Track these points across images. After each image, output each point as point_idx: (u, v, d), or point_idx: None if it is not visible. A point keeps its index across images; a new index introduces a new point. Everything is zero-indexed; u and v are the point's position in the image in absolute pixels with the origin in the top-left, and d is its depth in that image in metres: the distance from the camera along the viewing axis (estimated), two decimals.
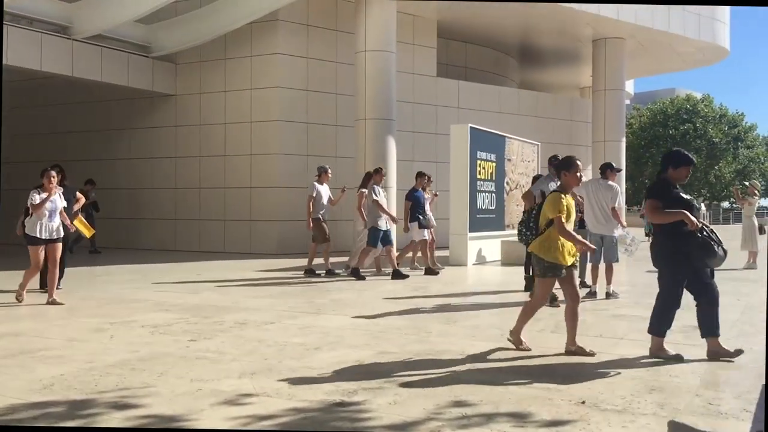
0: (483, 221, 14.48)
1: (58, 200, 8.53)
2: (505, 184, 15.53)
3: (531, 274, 9.85)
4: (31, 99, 19.91)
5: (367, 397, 4.41)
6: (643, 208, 23.81)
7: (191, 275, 11.95)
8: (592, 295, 9.01)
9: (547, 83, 28.31)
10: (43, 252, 8.39)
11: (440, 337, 6.46)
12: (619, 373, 5.16)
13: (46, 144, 19.87)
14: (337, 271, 11.82)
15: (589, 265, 9.55)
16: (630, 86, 31.22)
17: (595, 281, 9.23)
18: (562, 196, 5.62)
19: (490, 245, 14.55)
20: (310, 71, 17.25)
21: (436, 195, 13.56)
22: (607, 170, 9.30)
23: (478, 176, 14.15)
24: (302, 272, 11.81)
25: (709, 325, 5.49)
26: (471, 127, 13.89)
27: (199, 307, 8.29)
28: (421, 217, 12.17)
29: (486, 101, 20.98)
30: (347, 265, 12.15)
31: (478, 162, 14.10)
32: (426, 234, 12.28)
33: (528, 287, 9.71)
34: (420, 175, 12.63)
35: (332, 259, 12.05)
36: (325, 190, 11.76)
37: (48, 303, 8.36)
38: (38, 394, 4.50)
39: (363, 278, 11.24)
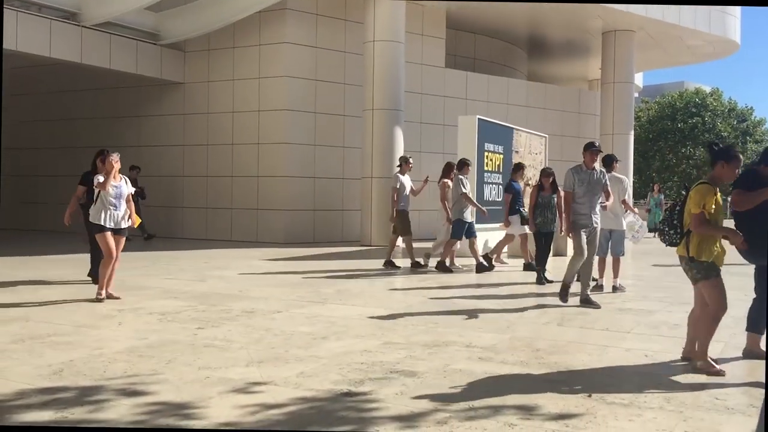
0: (489, 213, 14.45)
1: (124, 186, 7.88)
2: None
3: (543, 266, 9.84)
4: (39, 85, 19.94)
5: (373, 388, 4.43)
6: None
7: (198, 263, 11.98)
8: (598, 288, 9.01)
9: (555, 75, 28.21)
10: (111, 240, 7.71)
11: (447, 328, 6.47)
12: (627, 366, 5.16)
13: (53, 130, 19.94)
14: (422, 263, 11.41)
15: (596, 259, 9.53)
16: (639, 79, 31.08)
17: (601, 274, 9.22)
18: (712, 188, 5.00)
19: (496, 237, 14.53)
20: (318, 61, 17.21)
21: (528, 185, 13.24)
22: (613, 162, 9.28)
23: (486, 168, 14.11)
24: (381, 264, 11.54)
25: (753, 318, 5.35)
26: (479, 118, 13.85)
27: (206, 295, 8.32)
28: (522, 210, 11.77)
29: (494, 93, 20.92)
30: (427, 254, 11.64)
31: (486, 153, 14.05)
32: (527, 228, 11.73)
33: (540, 280, 9.69)
34: (519, 167, 12.22)
35: (340, 249, 11.96)
36: (407, 181, 11.58)
37: (97, 298, 7.67)
38: (47, 379, 4.53)
39: (450, 271, 11.02)
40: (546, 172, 10.18)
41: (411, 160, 11.92)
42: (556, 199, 9.88)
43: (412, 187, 11.70)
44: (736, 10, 23.34)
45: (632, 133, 22.90)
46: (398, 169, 11.77)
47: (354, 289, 9.11)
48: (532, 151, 16.38)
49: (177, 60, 17.93)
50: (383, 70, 16.08)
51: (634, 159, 25.71)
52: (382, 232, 16.09)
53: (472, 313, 7.33)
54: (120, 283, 9.43)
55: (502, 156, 14.86)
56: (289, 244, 16.00)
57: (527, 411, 3.99)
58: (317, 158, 17.24)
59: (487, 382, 4.57)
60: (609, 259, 9.25)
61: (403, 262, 11.84)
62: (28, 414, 3.83)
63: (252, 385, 4.46)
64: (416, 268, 11.33)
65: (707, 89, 49.67)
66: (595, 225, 7.90)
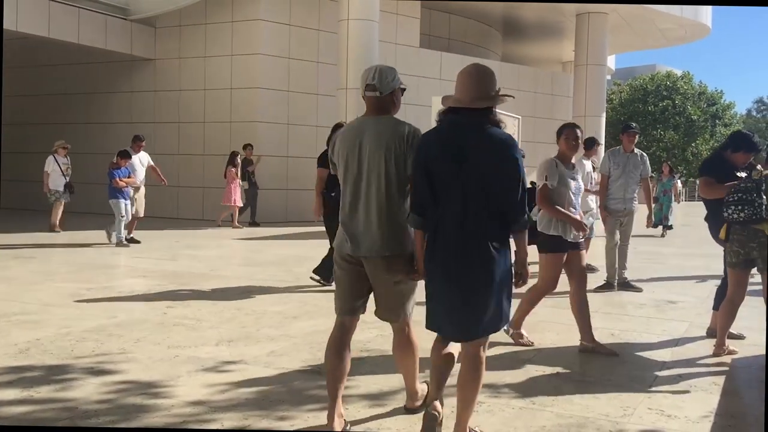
0: None
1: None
2: None
3: None
4: (4, 60, 19.49)
5: None
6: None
7: (169, 242, 11.89)
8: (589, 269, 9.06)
9: (529, 57, 28.26)
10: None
11: (419, 308, 6.48)
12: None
13: (20, 106, 19.53)
14: None
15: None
16: (611, 62, 31.29)
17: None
18: None
19: None
20: (291, 39, 17.04)
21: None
22: (594, 146, 9.33)
23: None
24: None
25: (719, 297, 5.34)
26: None
27: (177, 274, 8.27)
28: None
29: None
30: None
31: None
32: None
33: None
34: None
35: None
36: None
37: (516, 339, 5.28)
38: (13, 358, 4.48)
39: None
40: None
41: None
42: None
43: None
44: None
45: (604, 115, 23.06)
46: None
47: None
48: None
49: (147, 36, 17.62)
50: (357, 49, 15.96)
51: (605, 141, 25.90)
52: None
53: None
54: (89, 261, 9.30)
55: None
56: (262, 224, 15.91)
57: (495, 389, 4.04)
58: (290, 137, 17.13)
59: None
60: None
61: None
62: None
63: (222, 363, 4.45)
64: None
65: (678, 72, 50.13)
66: (632, 209, 7.69)
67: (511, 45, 26.42)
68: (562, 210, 4.97)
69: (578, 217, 5.05)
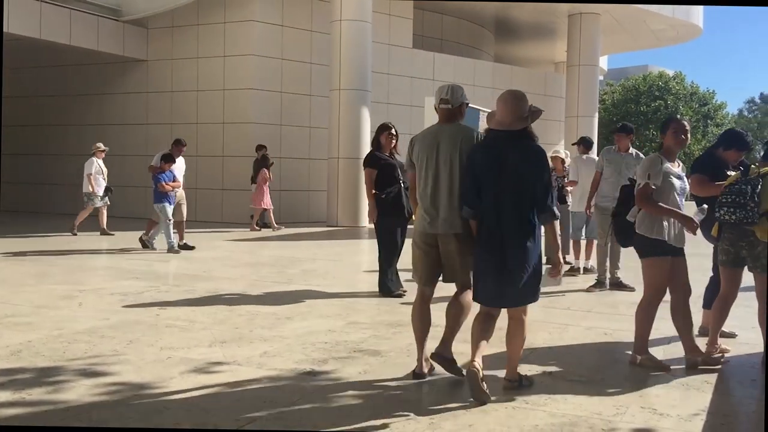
0: None
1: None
2: None
3: None
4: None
5: (337, 367, 4.45)
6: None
7: (162, 243, 11.84)
8: (575, 270, 9.05)
9: (522, 57, 28.32)
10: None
11: (410, 308, 6.49)
12: (587, 344, 5.25)
13: (14, 107, 19.46)
14: None
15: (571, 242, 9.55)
16: (604, 62, 31.38)
17: (577, 256, 9.26)
18: None
19: None
20: (284, 39, 17.03)
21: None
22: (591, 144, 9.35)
23: None
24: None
25: (709, 296, 5.36)
26: None
27: (170, 275, 8.25)
28: None
29: (461, 74, 20.91)
30: None
31: None
32: None
33: None
34: None
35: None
36: None
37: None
38: (5, 360, 4.46)
39: None
40: None
41: None
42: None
43: None
44: None
45: (597, 115, 23.14)
46: None
47: (320, 269, 9.10)
48: None
49: (140, 37, 17.58)
50: (350, 50, 15.97)
51: (598, 141, 25.98)
52: (348, 212, 16.09)
53: (435, 294, 7.36)
54: (82, 262, 9.27)
55: None
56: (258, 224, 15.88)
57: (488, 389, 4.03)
58: (283, 138, 17.12)
59: None
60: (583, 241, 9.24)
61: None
62: None
63: (214, 365, 4.44)
64: None
65: (670, 73, 50.31)
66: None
67: (504, 45, 26.47)
68: (668, 207, 4.55)
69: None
